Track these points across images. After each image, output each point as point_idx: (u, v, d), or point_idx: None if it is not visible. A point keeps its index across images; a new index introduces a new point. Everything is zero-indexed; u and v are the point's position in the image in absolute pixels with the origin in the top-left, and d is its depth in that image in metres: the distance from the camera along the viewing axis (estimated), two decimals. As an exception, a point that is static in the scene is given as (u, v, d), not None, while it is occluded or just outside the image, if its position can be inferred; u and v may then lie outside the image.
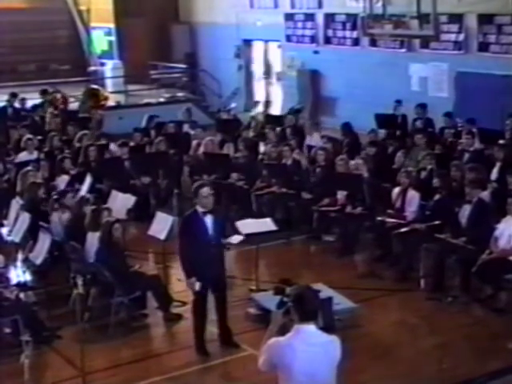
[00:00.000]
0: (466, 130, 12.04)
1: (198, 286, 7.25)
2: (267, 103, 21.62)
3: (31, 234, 9.25)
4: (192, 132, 14.28)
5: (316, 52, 19.15)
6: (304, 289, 4.52)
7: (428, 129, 13.16)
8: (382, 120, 13.76)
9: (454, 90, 15.47)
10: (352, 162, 11.20)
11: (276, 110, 20.52)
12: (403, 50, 16.71)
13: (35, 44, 22.72)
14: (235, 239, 7.95)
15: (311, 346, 4.36)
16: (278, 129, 13.92)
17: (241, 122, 15.60)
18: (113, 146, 13.19)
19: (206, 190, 7.36)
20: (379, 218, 9.83)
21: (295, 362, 4.34)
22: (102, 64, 23.03)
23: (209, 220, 7.35)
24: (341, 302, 8.03)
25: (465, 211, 8.87)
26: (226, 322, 7.64)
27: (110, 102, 19.35)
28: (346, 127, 13.52)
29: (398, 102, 14.33)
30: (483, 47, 14.95)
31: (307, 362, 4.35)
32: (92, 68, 23.27)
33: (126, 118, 17.18)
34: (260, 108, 21.19)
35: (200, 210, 7.36)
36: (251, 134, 14.15)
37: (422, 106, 13.79)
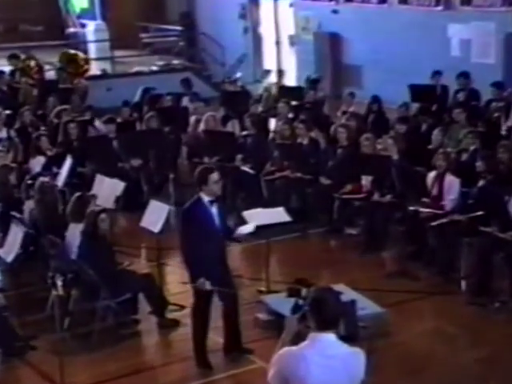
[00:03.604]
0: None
1: (208, 285, 7.28)
2: (280, 72, 21.58)
3: (1, 226, 9.30)
4: (191, 106, 14.28)
5: (335, 11, 19.12)
6: (324, 291, 4.50)
7: (471, 102, 13.12)
8: (419, 92, 13.71)
9: (504, 55, 15.39)
10: (379, 142, 11.20)
11: (290, 80, 20.50)
12: (440, 8, 16.68)
13: (2, 1, 22.71)
14: (246, 229, 7.88)
15: (329, 359, 4.34)
16: (294, 103, 13.92)
17: (250, 94, 15.61)
18: (98, 123, 13.22)
19: (216, 175, 7.38)
20: (412, 208, 9.82)
21: (309, 377, 4.32)
22: (83, 25, 23.05)
23: (214, 210, 7.38)
24: (366, 307, 8.05)
25: (515, 200, 8.87)
26: (238, 327, 7.67)
27: (95, 71, 19.37)
28: (375, 101, 13.60)
29: (438, 73, 14.24)
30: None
31: (323, 377, 4.32)
32: (70, 30, 23.31)
33: (114, 89, 17.23)
34: (273, 78, 21.16)
35: (206, 198, 7.38)
36: (260, 108, 14.16)
37: (465, 76, 13.73)
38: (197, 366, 7.57)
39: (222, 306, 7.60)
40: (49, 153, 11.60)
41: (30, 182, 9.88)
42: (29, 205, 9.51)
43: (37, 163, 11.31)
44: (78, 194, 9.18)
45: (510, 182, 9.16)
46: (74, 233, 8.61)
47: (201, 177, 7.41)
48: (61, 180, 10.75)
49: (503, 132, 11.66)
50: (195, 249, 7.30)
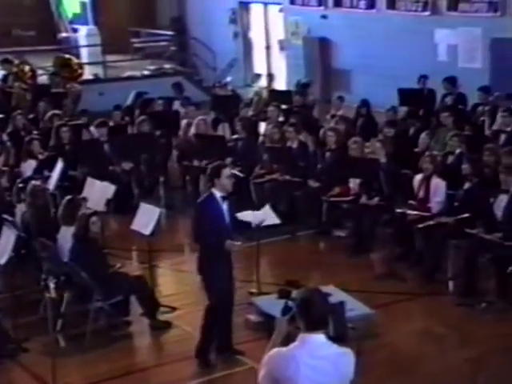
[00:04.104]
0: (503, 107, 12.03)
1: (235, 246, 7.32)
2: (270, 76, 21.60)
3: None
4: (182, 110, 14.31)
5: (324, 16, 19.12)
6: (312, 292, 4.50)
7: (459, 106, 13.16)
8: (407, 96, 13.75)
9: (490, 60, 15.42)
10: (367, 145, 11.23)
11: (280, 84, 20.52)
12: (427, 13, 16.69)
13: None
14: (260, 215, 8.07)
15: (318, 360, 4.34)
16: (284, 107, 13.94)
17: (240, 98, 15.64)
18: (92, 128, 13.22)
19: (229, 170, 7.41)
20: (399, 210, 9.85)
21: (299, 377, 4.32)
22: (75, 30, 23.00)
23: (225, 207, 7.38)
24: (355, 308, 8.05)
25: (500, 202, 8.88)
26: (230, 327, 7.67)
27: (87, 75, 19.34)
28: (363, 104, 13.65)
29: (424, 76, 14.29)
30: (524, 8, 14.92)
31: (312, 377, 4.33)
32: (62, 34, 23.24)
33: (106, 93, 17.22)
34: (263, 82, 21.17)
35: (218, 194, 7.36)
36: (250, 112, 14.18)
37: (449, 80, 13.78)
38: (198, 365, 7.54)
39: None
40: (40, 156, 11.57)
41: (21, 185, 9.84)
42: (20, 208, 9.49)
43: (28, 167, 11.28)
44: (69, 197, 9.16)
45: (496, 185, 9.18)
46: (66, 236, 8.60)
47: (214, 171, 7.40)
48: (52, 183, 10.72)
49: (488, 135, 11.70)
50: (208, 245, 7.31)
